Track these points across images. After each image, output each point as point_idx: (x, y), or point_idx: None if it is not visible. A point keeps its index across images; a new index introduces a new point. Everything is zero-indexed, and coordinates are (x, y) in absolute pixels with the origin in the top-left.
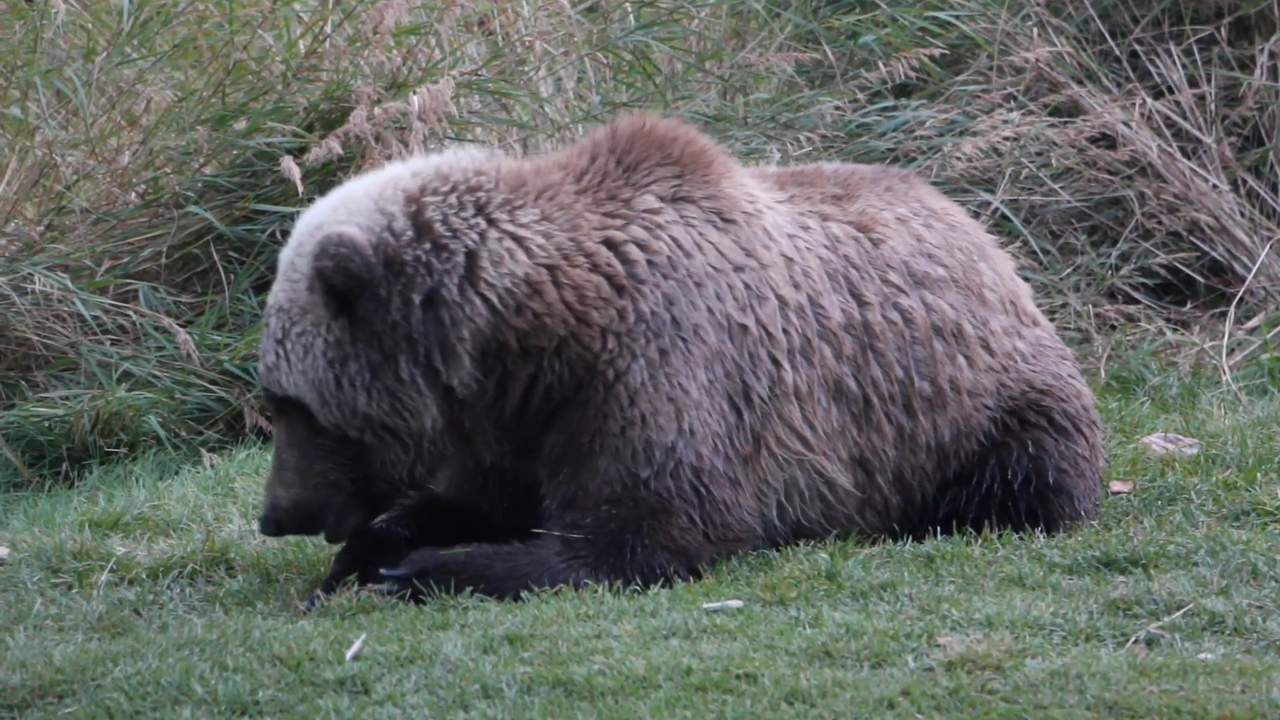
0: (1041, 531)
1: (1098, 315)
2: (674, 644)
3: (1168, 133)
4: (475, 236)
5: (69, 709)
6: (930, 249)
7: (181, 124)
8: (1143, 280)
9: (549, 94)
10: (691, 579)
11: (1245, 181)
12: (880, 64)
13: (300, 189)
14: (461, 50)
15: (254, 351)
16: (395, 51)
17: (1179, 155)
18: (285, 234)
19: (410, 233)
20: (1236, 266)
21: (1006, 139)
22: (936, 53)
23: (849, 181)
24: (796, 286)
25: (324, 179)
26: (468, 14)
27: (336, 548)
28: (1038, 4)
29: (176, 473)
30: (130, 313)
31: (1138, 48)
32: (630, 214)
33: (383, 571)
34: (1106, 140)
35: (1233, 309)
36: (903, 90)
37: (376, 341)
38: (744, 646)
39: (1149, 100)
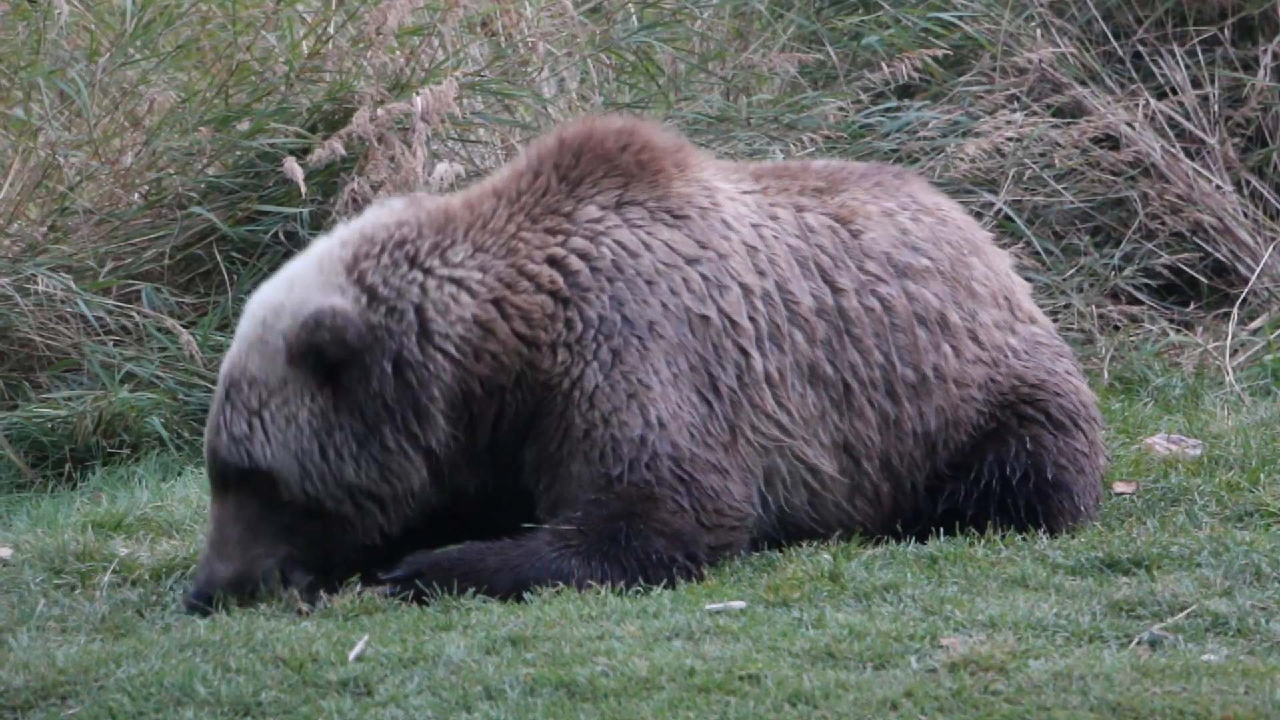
0: (1042, 528)
1: (1101, 316)
2: (677, 645)
3: (1171, 133)
4: (417, 290)
5: (72, 710)
6: (916, 241)
7: (184, 125)
8: (1146, 281)
9: (552, 95)
10: (691, 565)
11: (1249, 182)
12: (883, 65)
13: (303, 190)
14: (464, 51)
15: None
16: (398, 52)
17: (1182, 156)
18: (289, 235)
19: (365, 300)
20: (1240, 267)
21: (1010, 140)
22: (940, 53)
23: (835, 176)
24: (761, 274)
25: (327, 180)
26: (471, 15)
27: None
28: (1041, 5)
29: (179, 474)
30: (133, 313)
31: (1141, 48)
32: (571, 228)
33: (380, 575)
34: (1110, 141)
35: (1236, 310)
36: (906, 91)
37: (359, 412)
38: (747, 648)
39: (1152, 101)
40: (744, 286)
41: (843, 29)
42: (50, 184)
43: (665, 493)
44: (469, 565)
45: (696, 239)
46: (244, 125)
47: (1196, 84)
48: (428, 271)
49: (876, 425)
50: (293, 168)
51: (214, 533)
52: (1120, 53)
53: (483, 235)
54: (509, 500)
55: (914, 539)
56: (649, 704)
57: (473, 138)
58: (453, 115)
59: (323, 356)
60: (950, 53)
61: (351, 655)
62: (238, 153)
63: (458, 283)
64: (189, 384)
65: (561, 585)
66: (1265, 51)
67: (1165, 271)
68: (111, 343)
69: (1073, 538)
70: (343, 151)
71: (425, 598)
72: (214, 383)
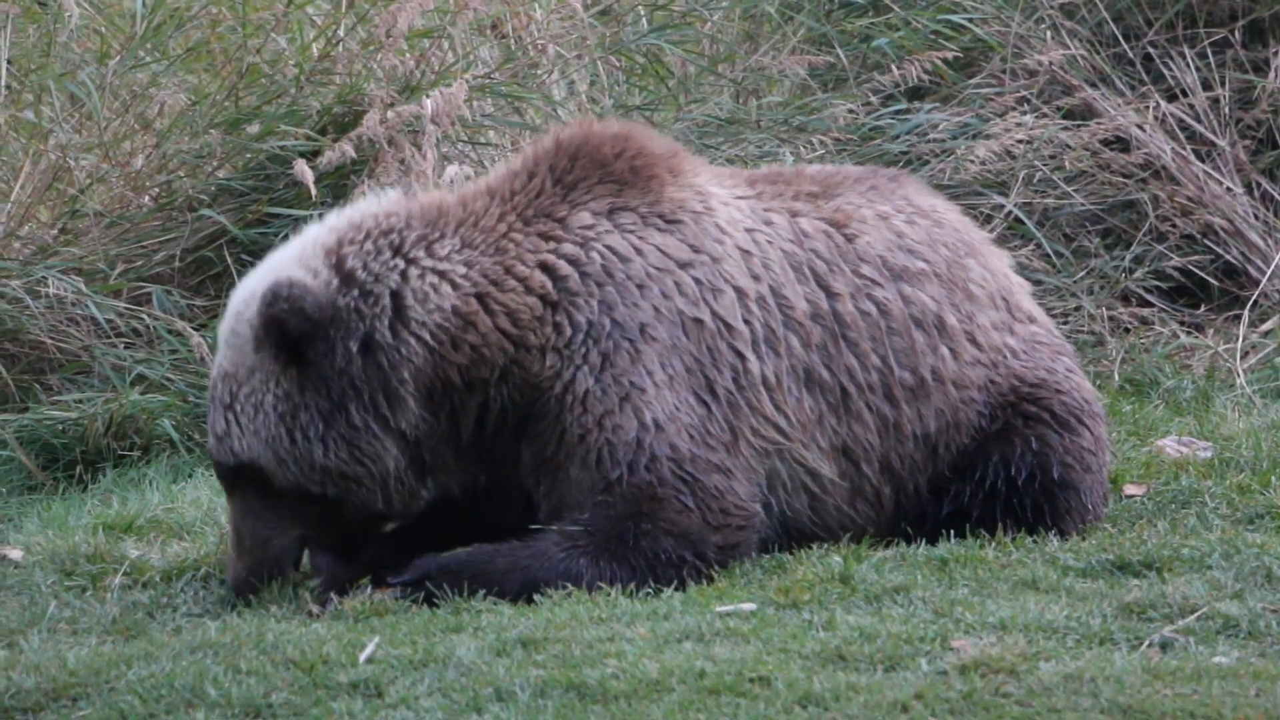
0: (1050, 528)
1: (1111, 318)
2: (687, 647)
3: (1181, 136)
4: (397, 277)
5: (83, 712)
6: (911, 244)
7: (195, 127)
8: (1156, 283)
9: (562, 97)
10: (700, 565)
11: (1259, 185)
12: (893, 67)
13: (313, 192)
14: (474, 54)
15: None
16: (408, 55)
17: (1193, 158)
18: None
19: (336, 281)
20: (1250, 269)
21: (1020, 142)
22: (950, 56)
23: (830, 181)
24: (756, 278)
25: (337, 182)
26: (480, 17)
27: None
28: (1051, 7)
29: (190, 476)
30: (144, 316)
31: (1151, 51)
32: (563, 233)
33: (389, 579)
34: (1120, 143)
35: (1247, 312)
36: (916, 93)
37: (325, 389)
38: (757, 650)
39: (1163, 103)
40: (738, 290)
41: (852, 31)
42: (61, 187)
43: (669, 493)
44: (478, 567)
45: (690, 243)
46: (254, 128)
47: (1207, 86)
48: (411, 261)
49: (875, 429)
50: (303, 170)
51: (231, 532)
52: (1131, 55)
53: (472, 232)
54: (506, 500)
55: (924, 541)
56: (659, 706)
57: (483, 140)
58: (463, 118)
59: (284, 330)
60: (960, 55)
61: (362, 657)
62: (248, 155)
63: (441, 274)
64: (199, 386)
65: (571, 586)
66: (1276, 54)
67: (1176, 274)
68: (122, 345)
69: (1083, 540)
70: (353, 154)
71: (435, 600)
72: None
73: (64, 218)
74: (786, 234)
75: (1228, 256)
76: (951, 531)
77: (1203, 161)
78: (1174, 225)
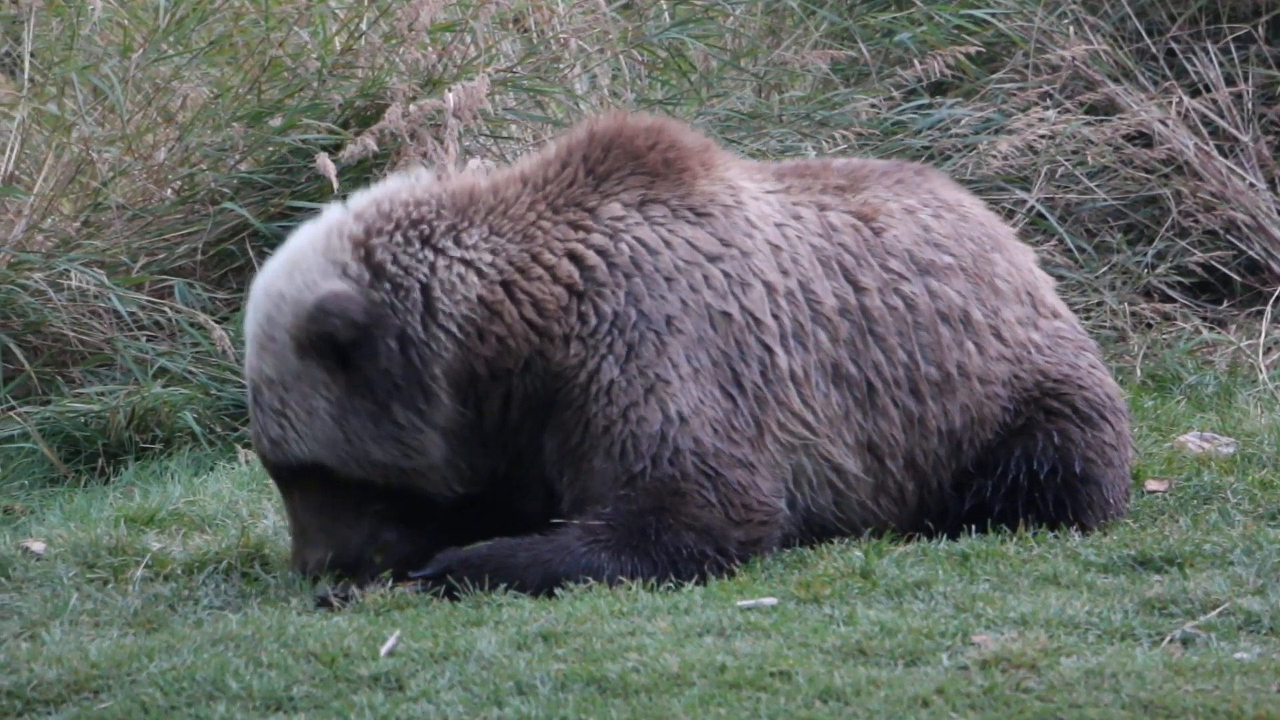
0: (1072, 523)
1: (1134, 314)
2: (708, 641)
3: (1204, 131)
4: (426, 270)
5: (104, 704)
6: (938, 238)
7: (217, 121)
8: (1179, 279)
9: (584, 91)
10: (722, 560)
11: None
12: (916, 62)
13: (335, 186)
14: (497, 47)
15: None
16: (431, 48)
17: (1216, 154)
18: None
19: (369, 276)
20: (1274, 265)
21: (1042, 137)
22: (972, 50)
23: (856, 174)
24: (785, 273)
25: (359, 176)
26: (503, 11)
27: None
28: (1074, 2)
29: (212, 468)
30: (166, 309)
31: (1175, 46)
32: (593, 223)
33: (410, 574)
34: (1143, 138)
35: (1269, 308)
36: (938, 88)
37: (369, 392)
38: (778, 644)
39: (1186, 98)
40: (767, 284)
41: (875, 26)
42: (84, 179)
43: (691, 487)
44: (499, 561)
45: (720, 237)
46: (276, 121)
47: (1230, 81)
48: (439, 251)
49: (900, 424)
50: (325, 163)
51: (293, 524)
52: (1153, 50)
53: (501, 220)
54: (527, 490)
55: (945, 536)
56: (680, 700)
57: (505, 134)
58: (485, 111)
59: (335, 341)
60: (983, 50)
61: (383, 650)
62: (270, 148)
63: (467, 264)
64: (221, 379)
65: (592, 580)
66: None
67: (1198, 269)
68: (144, 338)
69: (1105, 535)
70: (375, 147)
71: (456, 593)
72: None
73: (86, 210)
74: (815, 228)
75: (1250, 252)
76: (973, 526)
77: (1225, 157)
78: (1196, 221)
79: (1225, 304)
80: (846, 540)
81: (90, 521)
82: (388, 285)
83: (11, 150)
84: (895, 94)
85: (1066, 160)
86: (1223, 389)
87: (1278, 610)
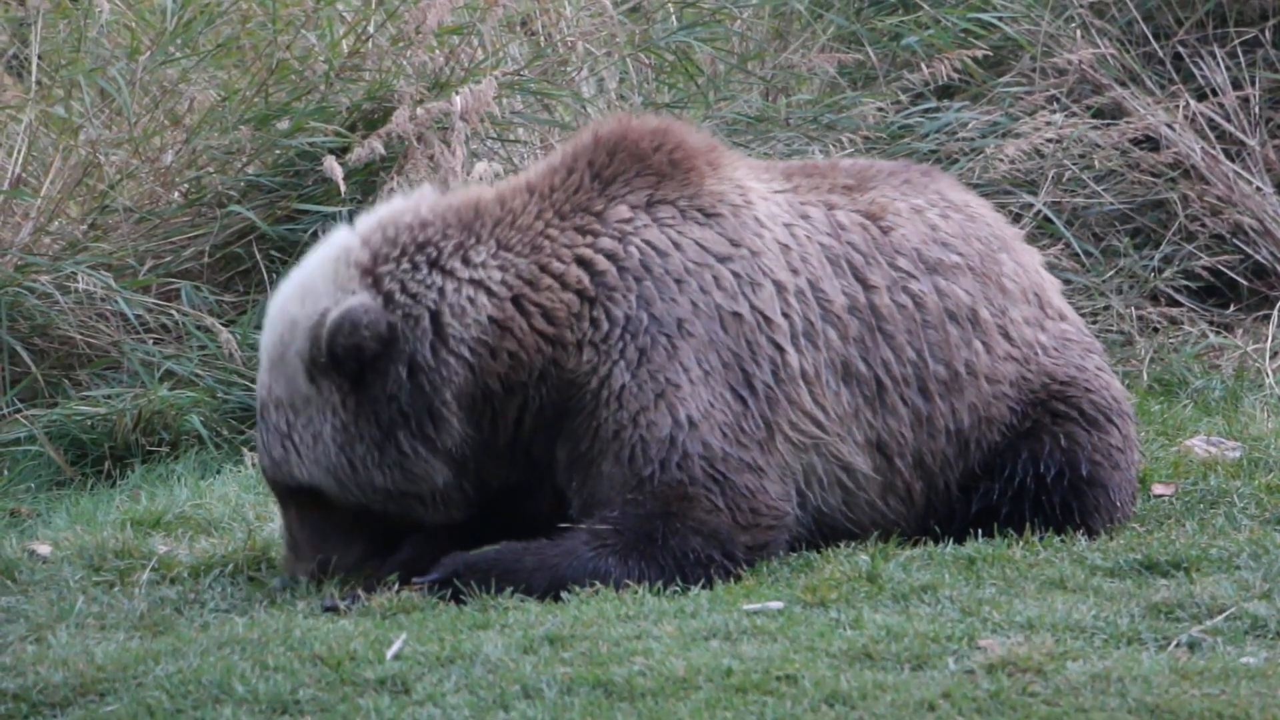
0: (1079, 526)
1: (1140, 318)
2: (714, 645)
3: (1211, 135)
4: (435, 296)
5: (110, 707)
6: (945, 238)
7: (224, 123)
8: (1185, 283)
9: (591, 95)
10: (729, 564)
11: None
12: (923, 65)
13: (343, 189)
14: (504, 50)
15: None
16: (438, 51)
17: (1222, 158)
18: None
19: (379, 302)
20: None
21: (1049, 141)
22: (979, 54)
23: (864, 174)
24: (795, 271)
25: (366, 179)
26: (510, 14)
27: None
28: (1081, 6)
29: (218, 472)
30: (173, 312)
31: (1181, 50)
32: (601, 227)
33: (415, 580)
34: (1150, 142)
35: (1276, 312)
36: (945, 92)
37: (375, 419)
38: (784, 648)
39: (1192, 102)
40: (777, 284)
41: (882, 29)
42: (91, 182)
43: (699, 491)
44: (506, 565)
45: (729, 237)
46: (284, 124)
47: (1237, 85)
48: (448, 274)
49: (909, 423)
50: (332, 167)
51: (288, 536)
52: (1160, 54)
53: (509, 232)
54: (537, 494)
55: (951, 540)
56: (686, 704)
57: (512, 137)
58: (492, 115)
59: (361, 355)
60: (990, 53)
61: (389, 654)
62: (277, 151)
63: (477, 284)
64: (228, 382)
65: (599, 584)
66: None
67: (1205, 273)
68: (151, 341)
69: (1111, 539)
70: (382, 150)
71: (463, 597)
72: (253, 381)
73: (94, 213)
74: (824, 227)
75: (1257, 256)
76: (979, 530)
77: (1232, 161)
78: (1203, 225)
79: (1232, 308)
80: (853, 544)
81: (96, 524)
82: (399, 313)
83: (19, 153)
84: (902, 97)
85: (1073, 164)
86: (1229, 393)
87: None
